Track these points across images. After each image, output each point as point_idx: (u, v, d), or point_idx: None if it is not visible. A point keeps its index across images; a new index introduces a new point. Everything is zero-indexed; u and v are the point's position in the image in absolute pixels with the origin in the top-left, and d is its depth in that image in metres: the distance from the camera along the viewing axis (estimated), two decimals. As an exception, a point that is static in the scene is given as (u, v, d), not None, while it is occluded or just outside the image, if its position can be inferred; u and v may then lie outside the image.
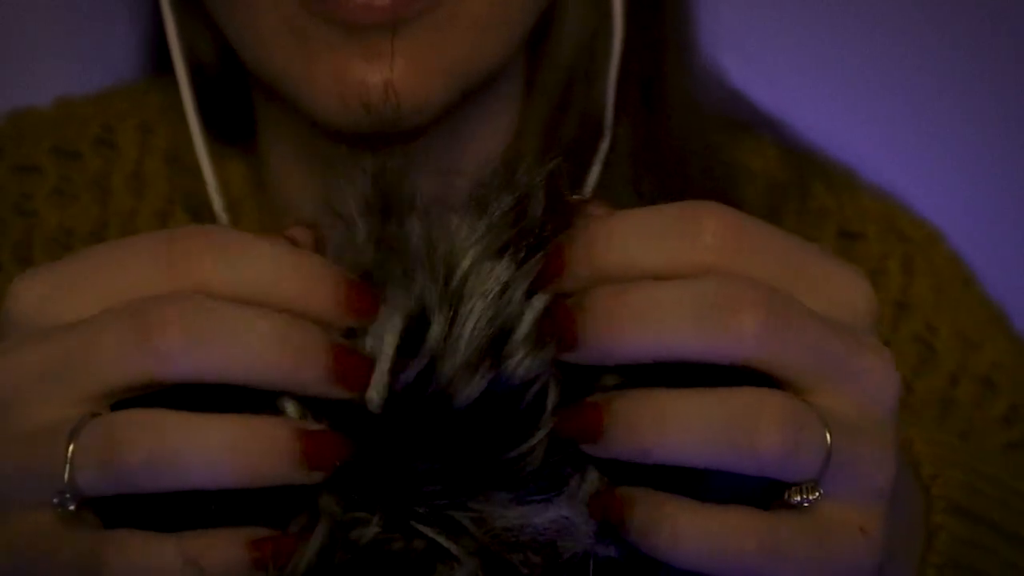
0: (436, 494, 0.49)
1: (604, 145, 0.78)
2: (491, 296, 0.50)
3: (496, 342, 0.50)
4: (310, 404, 0.50)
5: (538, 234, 0.52)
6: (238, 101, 0.82)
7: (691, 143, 0.82)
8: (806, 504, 0.48)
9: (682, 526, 0.47)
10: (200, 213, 0.82)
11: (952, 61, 1.07)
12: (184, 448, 0.46)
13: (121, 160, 0.85)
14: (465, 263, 0.51)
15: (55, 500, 0.48)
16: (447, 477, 0.49)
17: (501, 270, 0.51)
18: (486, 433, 0.50)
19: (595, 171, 0.77)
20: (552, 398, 0.50)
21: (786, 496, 0.48)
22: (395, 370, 0.49)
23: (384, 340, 0.49)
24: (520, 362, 0.50)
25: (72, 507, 0.48)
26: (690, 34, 0.84)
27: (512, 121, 0.80)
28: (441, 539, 0.49)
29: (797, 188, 0.85)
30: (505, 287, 0.51)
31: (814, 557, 0.48)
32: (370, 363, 0.49)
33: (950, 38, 1.06)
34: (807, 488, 0.48)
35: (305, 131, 0.76)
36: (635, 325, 0.47)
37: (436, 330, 0.49)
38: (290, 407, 0.49)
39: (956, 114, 1.07)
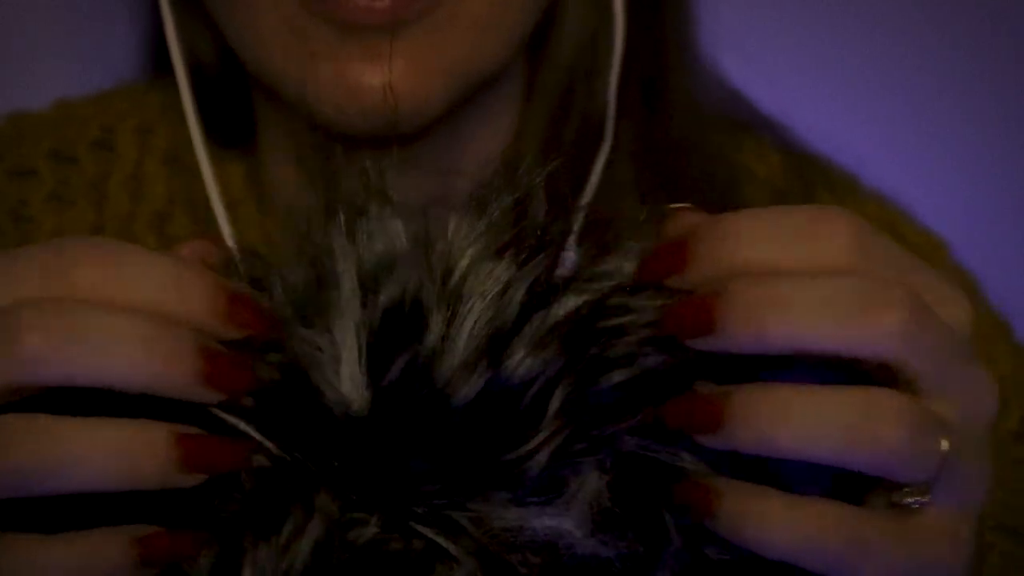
0: (435, 494, 0.49)
1: (605, 146, 0.78)
2: (490, 296, 0.50)
3: (495, 342, 0.50)
4: (301, 411, 0.50)
5: (539, 235, 0.52)
6: (238, 102, 0.82)
7: (692, 144, 0.82)
8: (916, 506, 0.49)
9: (772, 516, 0.48)
10: (199, 215, 0.82)
11: (952, 61, 1.07)
12: (59, 453, 0.47)
13: (119, 162, 0.84)
14: (464, 263, 0.51)
15: None
16: (446, 477, 0.49)
17: (501, 270, 0.51)
18: (485, 434, 0.50)
19: (596, 172, 0.77)
20: (556, 401, 0.50)
21: (896, 497, 0.49)
22: (385, 372, 0.49)
23: (343, 343, 0.49)
24: (520, 362, 0.50)
25: None
26: (691, 34, 0.84)
27: (513, 122, 0.80)
28: (440, 539, 0.49)
29: (801, 194, 0.85)
30: (505, 287, 0.51)
31: (901, 558, 0.48)
32: (244, 365, 0.49)
33: (950, 38, 1.06)
34: (920, 490, 0.49)
35: (304, 131, 0.76)
36: (782, 315, 0.47)
37: (433, 329, 0.49)
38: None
39: (956, 114, 1.07)
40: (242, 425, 0.49)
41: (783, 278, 0.48)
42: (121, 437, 0.47)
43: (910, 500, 0.49)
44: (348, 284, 0.50)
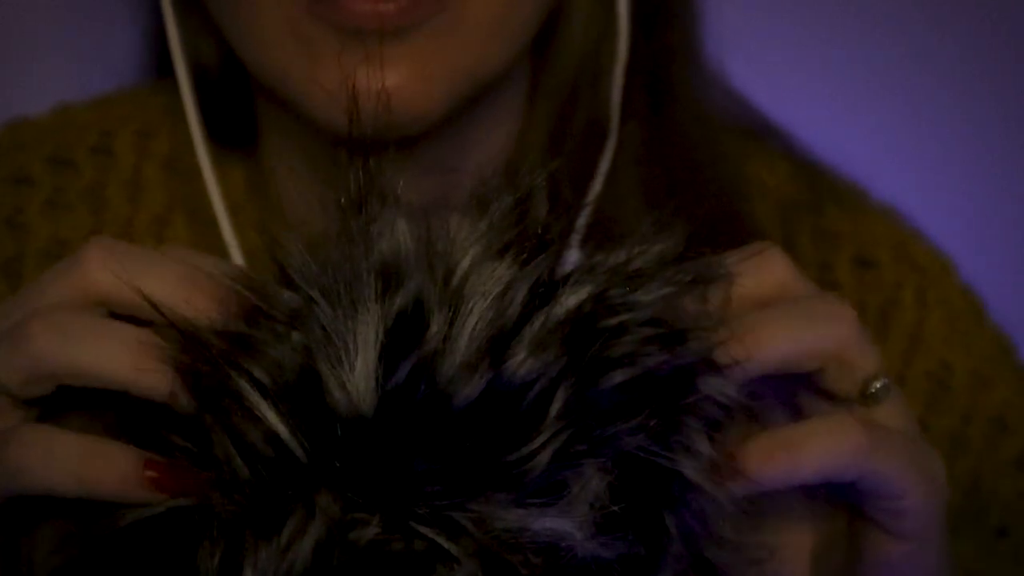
0: (436, 495, 0.49)
1: (610, 148, 0.78)
2: (492, 297, 0.50)
3: (496, 343, 0.50)
4: (301, 410, 0.50)
5: (540, 235, 0.52)
6: (240, 104, 0.82)
7: (699, 148, 0.82)
8: (880, 389, 0.55)
9: (804, 443, 0.53)
10: (199, 219, 0.81)
11: (959, 66, 1.07)
12: (20, 458, 0.53)
13: (117, 167, 0.84)
14: (465, 263, 0.51)
15: None
16: (447, 478, 0.49)
17: (502, 271, 0.51)
18: (486, 434, 0.50)
19: (601, 175, 0.77)
20: (557, 402, 0.50)
21: (863, 388, 0.55)
22: (388, 373, 0.49)
23: (362, 345, 0.49)
24: (521, 363, 0.50)
25: None
26: (696, 38, 0.83)
27: (517, 123, 0.80)
28: (441, 540, 0.49)
29: (810, 207, 0.85)
30: (506, 288, 0.50)
31: (898, 438, 0.54)
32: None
33: (955, 43, 1.06)
34: (877, 374, 0.55)
35: (307, 135, 0.76)
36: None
37: (435, 329, 0.49)
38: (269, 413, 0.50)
39: (965, 120, 1.07)
40: (268, 412, 0.50)
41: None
42: (80, 451, 0.52)
43: (876, 384, 0.55)
44: (368, 287, 0.50)
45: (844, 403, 0.56)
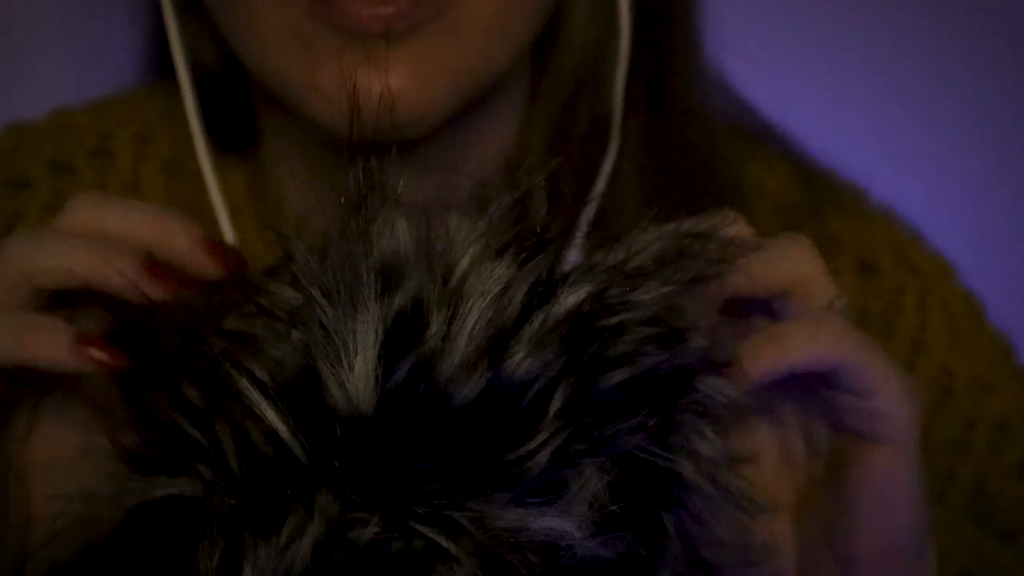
0: (435, 494, 0.49)
1: (612, 148, 0.78)
2: (491, 296, 0.50)
3: (495, 342, 0.50)
4: (302, 410, 0.50)
5: (539, 235, 0.52)
6: (240, 107, 0.82)
7: (699, 149, 0.82)
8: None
9: (786, 338, 0.55)
10: (199, 220, 0.81)
11: (960, 68, 1.07)
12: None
13: (117, 170, 0.84)
14: (464, 262, 0.51)
15: None
16: (447, 477, 0.49)
17: (501, 270, 0.51)
18: (486, 434, 0.50)
19: (603, 175, 0.77)
20: (557, 401, 0.50)
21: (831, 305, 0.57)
22: (387, 372, 0.49)
23: (361, 345, 0.49)
24: (520, 362, 0.50)
25: None
26: (697, 39, 0.84)
27: (518, 124, 0.80)
28: (440, 539, 0.49)
29: (810, 211, 0.85)
30: (505, 287, 0.51)
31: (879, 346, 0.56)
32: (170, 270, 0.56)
33: (956, 45, 1.06)
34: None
35: (308, 137, 0.76)
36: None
37: (434, 329, 0.49)
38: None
39: (964, 121, 1.07)
40: (269, 411, 0.50)
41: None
42: (19, 325, 0.56)
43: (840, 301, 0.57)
44: (367, 287, 0.50)
45: None
